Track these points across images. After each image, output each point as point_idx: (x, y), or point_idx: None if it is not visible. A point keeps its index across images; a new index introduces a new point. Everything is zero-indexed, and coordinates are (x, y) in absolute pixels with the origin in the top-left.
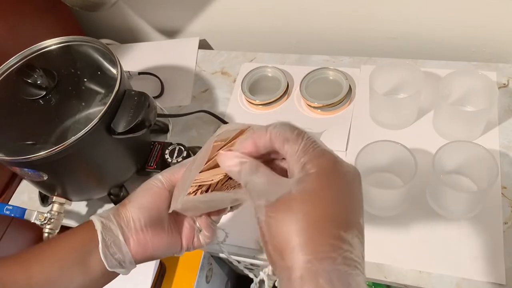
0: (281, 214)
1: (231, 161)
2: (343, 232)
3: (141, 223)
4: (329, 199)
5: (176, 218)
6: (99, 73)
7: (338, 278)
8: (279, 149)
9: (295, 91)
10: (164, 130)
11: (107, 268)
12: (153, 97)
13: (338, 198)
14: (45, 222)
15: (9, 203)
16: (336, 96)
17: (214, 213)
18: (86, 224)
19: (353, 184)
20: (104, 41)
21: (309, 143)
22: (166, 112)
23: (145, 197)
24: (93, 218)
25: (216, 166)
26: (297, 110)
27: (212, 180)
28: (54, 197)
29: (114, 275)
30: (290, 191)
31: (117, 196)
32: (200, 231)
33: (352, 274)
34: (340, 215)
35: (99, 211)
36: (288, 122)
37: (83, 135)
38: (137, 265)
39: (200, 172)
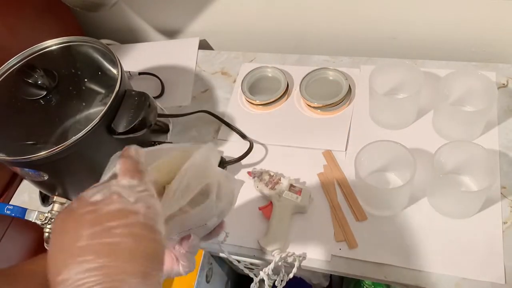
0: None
1: None
2: (64, 274)
3: None
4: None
5: None
6: (99, 73)
7: None
8: None
9: (295, 91)
10: (165, 130)
11: None
12: (154, 97)
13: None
14: (46, 222)
15: (10, 203)
16: (336, 96)
17: (186, 240)
18: None
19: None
20: (105, 41)
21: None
22: (166, 112)
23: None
24: None
25: None
26: (297, 110)
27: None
28: (55, 196)
29: None
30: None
31: None
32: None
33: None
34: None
35: None
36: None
37: (83, 135)
38: None
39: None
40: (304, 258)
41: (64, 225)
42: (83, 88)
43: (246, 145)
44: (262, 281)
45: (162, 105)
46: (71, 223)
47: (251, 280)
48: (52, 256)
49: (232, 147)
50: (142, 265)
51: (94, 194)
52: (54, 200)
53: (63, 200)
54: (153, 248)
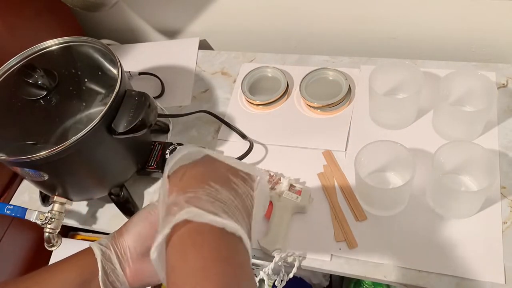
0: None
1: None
2: (213, 183)
3: (137, 252)
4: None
5: None
6: (99, 73)
7: (202, 200)
8: None
9: (295, 91)
10: (165, 130)
11: None
12: (154, 97)
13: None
14: (46, 222)
15: (10, 203)
16: (335, 96)
17: None
18: (85, 251)
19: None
20: (105, 41)
21: None
22: (167, 112)
23: (141, 226)
24: (93, 246)
25: None
26: (297, 110)
27: None
28: (55, 197)
29: None
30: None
31: (118, 196)
32: None
33: (214, 203)
34: (214, 178)
35: (100, 210)
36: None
37: (83, 135)
38: None
39: None
40: (304, 258)
41: (203, 165)
42: (83, 88)
43: (246, 145)
44: (262, 281)
45: (162, 105)
46: (212, 163)
47: None
48: (185, 178)
49: (232, 147)
50: (246, 220)
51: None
52: (54, 200)
53: (63, 200)
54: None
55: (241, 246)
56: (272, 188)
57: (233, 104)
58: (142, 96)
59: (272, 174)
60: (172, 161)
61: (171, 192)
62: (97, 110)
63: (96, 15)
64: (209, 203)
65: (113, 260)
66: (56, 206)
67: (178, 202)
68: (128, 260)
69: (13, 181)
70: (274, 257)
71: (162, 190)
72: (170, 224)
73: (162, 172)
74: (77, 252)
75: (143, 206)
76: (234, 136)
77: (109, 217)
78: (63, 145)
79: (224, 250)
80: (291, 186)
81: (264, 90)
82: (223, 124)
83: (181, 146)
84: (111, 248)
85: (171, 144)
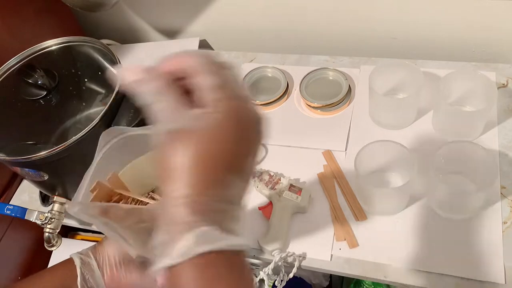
0: (176, 144)
1: (135, 76)
2: (228, 175)
3: (115, 259)
4: (225, 143)
5: None
6: (99, 73)
7: (211, 209)
8: (195, 78)
9: (295, 91)
10: None
11: None
12: None
13: (235, 144)
14: (46, 221)
15: (10, 203)
16: (335, 96)
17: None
18: (66, 261)
19: (254, 131)
20: (105, 41)
21: (229, 80)
22: None
23: None
24: (73, 255)
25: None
26: (297, 110)
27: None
28: (55, 196)
29: None
30: (192, 125)
31: None
32: None
33: (227, 210)
34: (231, 161)
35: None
36: (207, 53)
37: (83, 135)
38: None
39: None
40: (304, 258)
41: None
42: (83, 88)
43: None
44: (262, 281)
45: None
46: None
47: None
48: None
49: None
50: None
51: None
52: (54, 200)
53: (63, 200)
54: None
55: (245, 259)
56: (272, 188)
57: None
58: None
59: (272, 174)
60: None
61: (172, 181)
62: (97, 110)
63: (96, 15)
64: (227, 217)
65: (93, 265)
66: (56, 206)
67: (183, 217)
68: (107, 266)
69: (13, 181)
70: (274, 257)
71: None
72: (172, 256)
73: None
74: (58, 263)
75: None
76: None
77: None
78: (63, 145)
79: (238, 276)
80: (291, 186)
81: (264, 90)
82: None
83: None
84: (91, 256)
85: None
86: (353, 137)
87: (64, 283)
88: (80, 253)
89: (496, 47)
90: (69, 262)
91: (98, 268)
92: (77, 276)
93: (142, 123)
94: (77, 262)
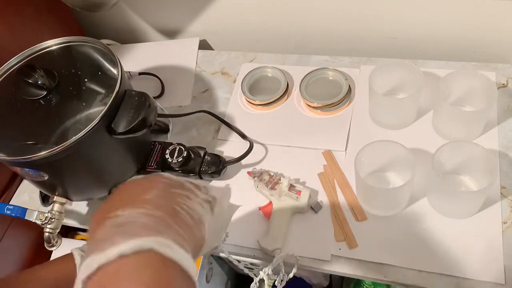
0: None
1: None
2: (118, 211)
3: None
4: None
5: None
6: (99, 73)
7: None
8: None
9: (295, 91)
10: (165, 130)
11: None
12: (154, 97)
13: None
14: (46, 221)
15: (10, 203)
16: (335, 96)
17: None
18: (66, 256)
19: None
20: (105, 41)
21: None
22: (167, 112)
23: None
24: (74, 251)
25: None
26: (297, 110)
27: None
28: (55, 196)
29: None
30: None
31: None
32: None
33: (124, 224)
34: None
35: None
36: None
37: (83, 135)
38: None
39: None
40: (304, 258)
41: (135, 183)
42: (83, 88)
43: (246, 145)
44: (262, 281)
45: (162, 105)
46: (143, 183)
47: (251, 280)
48: (110, 200)
49: (232, 147)
50: (187, 240)
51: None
52: (54, 200)
53: (63, 200)
54: (199, 236)
55: (178, 273)
56: (272, 188)
57: (233, 104)
58: (142, 96)
59: (272, 174)
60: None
61: (98, 219)
62: (97, 110)
63: (96, 15)
64: (139, 227)
65: None
66: (56, 206)
67: (106, 233)
68: None
69: (13, 181)
70: (274, 257)
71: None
72: (96, 264)
73: (162, 172)
74: (58, 257)
75: None
76: (234, 136)
77: None
78: (63, 145)
79: (151, 279)
80: (291, 186)
81: (264, 90)
82: (223, 124)
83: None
84: None
85: (171, 144)
86: (353, 137)
87: (61, 279)
88: (81, 249)
89: (496, 47)
90: (68, 258)
91: None
92: (75, 274)
93: (142, 123)
94: (78, 260)
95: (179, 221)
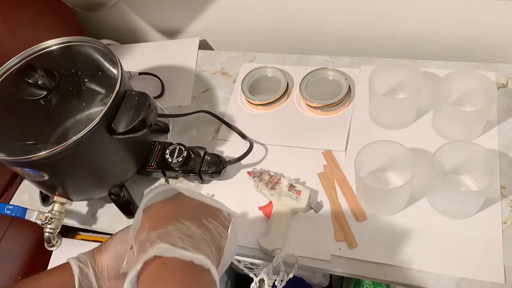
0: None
1: None
2: (182, 219)
3: (114, 271)
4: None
5: None
6: (99, 73)
7: (167, 236)
8: None
9: (295, 91)
10: (165, 130)
11: None
12: (154, 97)
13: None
14: (46, 221)
15: (10, 203)
16: (335, 96)
17: None
18: (63, 266)
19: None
20: (105, 41)
21: None
22: (167, 112)
23: (120, 247)
24: (71, 261)
25: None
26: (297, 110)
27: None
28: (55, 196)
29: None
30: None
31: (118, 196)
32: None
33: (183, 238)
34: (184, 214)
35: (100, 210)
36: None
37: (83, 135)
38: None
39: None
40: (304, 258)
41: (176, 199)
42: (83, 88)
43: (246, 145)
44: (262, 281)
45: (162, 105)
46: (183, 201)
47: (251, 280)
48: (155, 215)
49: (232, 147)
50: (215, 254)
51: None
52: (54, 200)
53: (63, 200)
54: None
55: (209, 277)
56: (272, 188)
57: (233, 104)
58: (142, 96)
59: (272, 174)
60: (148, 197)
61: (142, 229)
62: (97, 110)
63: (96, 15)
64: (178, 239)
65: (90, 277)
66: (56, 206)
67: (149, 238)
68: (105, 278)
69: (13, 181)
70: (274, 257)
71: (135, 223)
72: (142, 260)
73: (162, 172)
74: (55, 267)
75: None
76: (234, 136)
77: (109, 217)
78: (63, 145)
79: (191, 282)
80: (291, 186)
81: (264, 90)
82: (223, 124)
83: (156, 185)
84: (89, 266)
85: (171, 144)
86: (353, 137)
87: (63, 284)
88: (78, 260)
89: (496, 47)
90: (66, 269)
91: (95, 280)
92: (74, 286)
93: (142, 123)
94: (76, 271)
95: (215, 241)
